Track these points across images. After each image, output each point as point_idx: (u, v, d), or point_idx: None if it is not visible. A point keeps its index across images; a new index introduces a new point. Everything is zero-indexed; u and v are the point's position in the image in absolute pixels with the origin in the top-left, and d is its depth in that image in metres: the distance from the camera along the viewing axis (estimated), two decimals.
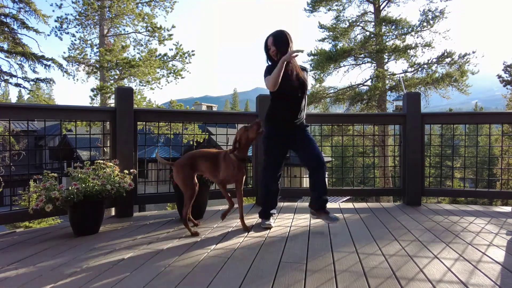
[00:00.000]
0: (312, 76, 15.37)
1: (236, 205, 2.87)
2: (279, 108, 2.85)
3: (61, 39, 12.55)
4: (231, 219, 3.23)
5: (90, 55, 12.60)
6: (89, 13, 12.18)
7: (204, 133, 11.25)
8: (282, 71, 2.60)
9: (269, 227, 2.89)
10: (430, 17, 14.65)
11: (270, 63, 2.85)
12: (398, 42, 14.90)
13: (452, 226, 2.93)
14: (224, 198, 2.97)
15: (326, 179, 2.91)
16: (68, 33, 12.47)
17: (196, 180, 2.81)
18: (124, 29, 13.28)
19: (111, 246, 2.43)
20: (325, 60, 14.86)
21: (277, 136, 2.86)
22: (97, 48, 12.33)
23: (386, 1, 15.48)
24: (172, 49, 13.74)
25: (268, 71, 2.77)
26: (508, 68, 15.93)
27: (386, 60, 15.31)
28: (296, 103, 2.83)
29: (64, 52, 12.26)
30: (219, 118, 4.43)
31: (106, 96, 11.70)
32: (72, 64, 12.27)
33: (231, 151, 2.68)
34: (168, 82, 13.24)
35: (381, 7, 15.44)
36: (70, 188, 2.63)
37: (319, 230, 2.82)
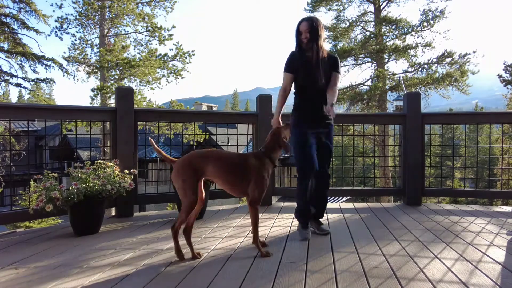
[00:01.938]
0: None
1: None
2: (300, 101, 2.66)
3: (61, 39, 12.56)
4: (231, 219, 3.23)
5: (91, 55, 12.62)
6: (89, 13, 12.18)
7: (204, 133, 11.23)
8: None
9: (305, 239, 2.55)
10: (430, 17, 14.65)
11: (296, 49, 2.63)
12: (398, 42, 14.91)
13: (453, 226, 2.92)
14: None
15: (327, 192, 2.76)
16: (68, 33, 12.49)
17: (203, 188, 2.27)
18: (124, 29, 13.30)
19: (111, 246, 2.43)
20: None
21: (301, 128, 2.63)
22: (97, 48, 12.33)
23: (386, 1, 15.47)
24: (172, 49, 13.77)
25: (287, 64, 2.61)
26: (508, 68, 15.92)
27: (386, 60, 15.31)
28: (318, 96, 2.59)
29: (65, 52, 12.28)
30: (219, 118, 4.43)
31: (106, 96, 11.69)
32: (73, 64, 12.28)
33: (266, 154, 2.22)
34: (168, 82, 13.24)
35: (381, 7, 15.43)
36: (70, 188, 2.63)
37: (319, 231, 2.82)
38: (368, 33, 15.55)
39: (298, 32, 2.58)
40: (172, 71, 12.98)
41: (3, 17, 9.86)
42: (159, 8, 13.41)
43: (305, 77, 2.58)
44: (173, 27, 12.75)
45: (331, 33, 15.56)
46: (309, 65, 2.54)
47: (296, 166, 2.66)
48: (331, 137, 2.72)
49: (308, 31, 2.51)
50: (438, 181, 11.02)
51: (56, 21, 12.09)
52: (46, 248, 2.44)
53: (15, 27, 10.04)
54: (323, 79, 2.55)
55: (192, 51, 12.98)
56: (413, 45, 14.69)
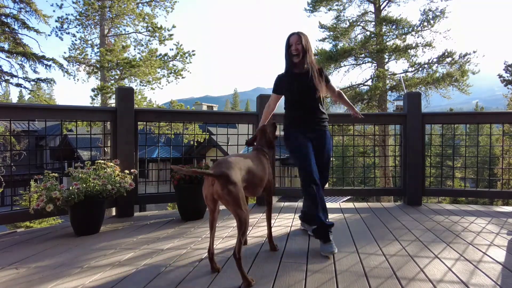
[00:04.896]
0: None
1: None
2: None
3: (62, 39, 12.55)
4: (231, 219, 3.23)
5: (91, 55, 12.60)
6: (90, 13, 12.18)
7: (204, 133, 11.24)
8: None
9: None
10: (430, 16, 14.63)
11: (285, 69, 2.66)
12: (398, 42, 14.88)
13: (453, 226, 2.92)
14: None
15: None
16: (68, 33, 12.46)
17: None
18: (124, 29, 13.28)
19: (111, 246, 2.43)
20: (326, 60, 14.85)
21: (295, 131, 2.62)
22: (97, 48, 12.32)
23: (387, 1, 15.46)
24: (172, 49, 13.74)
25: (274, 86, 2.70)
26: (509, 68, 15.92)
27: (386, 60, 15.29)
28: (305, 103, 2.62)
29: (65, 52, 12.28)
30: (219, 118, 4.43)
31: (106, 96, 11.69)
32: (73, 64, 12.27)
33: (263, 149, 2.43)
34: (169, 82, 13.23)
35: (381, 7, 15.42)
36: (71, 188, 2.63)
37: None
38: (368, 33, 15.53)
39: (288, 45, 2.58)
40: (172, 71, 12.97)
41: (3, 17, 9.87)
42: (159, 8, 13.40)
43: (296, 91, 2.58)
44: (173, 27, 12.75)
45: (331, 33, 15.55)
46: (302, 80, 2.57)
47: (299, 172, 2.49)
48: (326, 142, 2.61)
49: (299, 43, 2.54)
50: (438, 181, 11.03)
51: (56, 21, 12.09)
52: (46, 248, 2.45)
53: (16, 27, 10.04)
54: (318, 92, 2.56)
55: (192, 51, 12.98)
56: (413, 45, 14.67)
